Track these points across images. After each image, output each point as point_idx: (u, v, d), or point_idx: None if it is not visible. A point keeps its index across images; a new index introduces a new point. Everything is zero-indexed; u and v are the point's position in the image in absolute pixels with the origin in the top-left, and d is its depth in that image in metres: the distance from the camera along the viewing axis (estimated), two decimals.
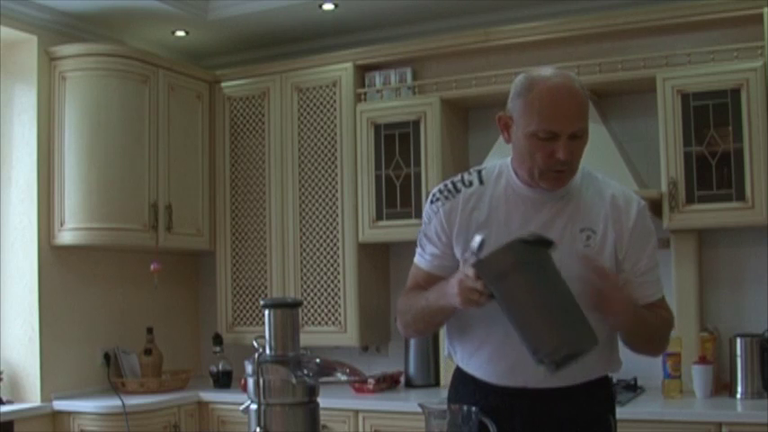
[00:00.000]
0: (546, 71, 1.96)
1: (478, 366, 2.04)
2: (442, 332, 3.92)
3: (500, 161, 2.09)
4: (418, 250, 2.11)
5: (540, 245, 1.77)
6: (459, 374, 2.13)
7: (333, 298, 4.17)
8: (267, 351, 1.86)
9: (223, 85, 4.50)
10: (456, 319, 2.04)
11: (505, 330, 1.85)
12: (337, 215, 4.17)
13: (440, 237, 2.04)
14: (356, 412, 3.74)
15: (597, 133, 3.71)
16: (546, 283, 1.75)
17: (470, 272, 1.77)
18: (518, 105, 1.94)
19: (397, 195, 4.04)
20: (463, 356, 2.09)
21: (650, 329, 2.01)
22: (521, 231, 1.87)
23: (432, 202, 2.07)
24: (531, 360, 1.77)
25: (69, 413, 3.81)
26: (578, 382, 1.99)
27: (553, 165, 1.90)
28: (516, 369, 1.96)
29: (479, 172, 2.06)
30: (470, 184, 2.04)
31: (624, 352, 2.11)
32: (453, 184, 2.06)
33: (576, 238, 1.96)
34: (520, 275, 1.73)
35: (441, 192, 2.07)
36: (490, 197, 2.00)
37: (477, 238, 1.79)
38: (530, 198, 1.99)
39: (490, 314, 1.89)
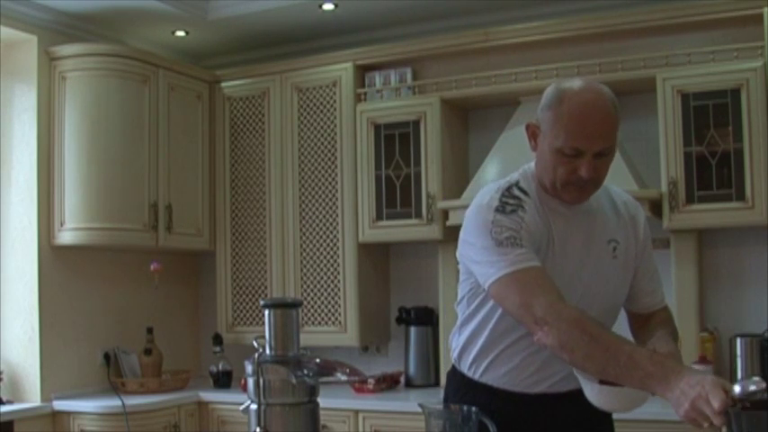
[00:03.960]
0: (577, 83, 1.90)
1: (498, 376, 2.03)
2: (443, 332, 3.96)
3: (517, 173, 2.01)
4: (517, 254, 1.84)
5: None
6: (467, 382, 2.09)
7: (333, 298, 4.17)
8: (267, 351, 1.86)
9: (223, 85, 4.50)
10: (477, 331, 2.03)
11: (529, 341, 1.85)
12: (337, 215, 4.16)
13: (533, 238, 1.90)
14: (356, 412, 3.74)
15: None
16: None
17: (717, 406, 1.56)
18: (547, 117, 1.90)
19: (397, 195, 4.04)
20: (478, 367, 2.06)
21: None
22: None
23: (504, 211, 1.90)
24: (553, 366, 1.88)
25: (69, 413, 3.81)
26: None
27: (575, 180, 1.88)
28: (541, 376, 1.99)
29: (517, 184, 1.96)
30: (525, 192, 1.94)
31: None
32: (510, 192, 1.94)
33: (605, 249, 1.97)
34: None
35: (508, 200, 1.93)
36: (536, 209, 1.93)
37: (753, 386, 1.57)
38: (560, 212, 1.95)
39: (515, 326, 1.92)
